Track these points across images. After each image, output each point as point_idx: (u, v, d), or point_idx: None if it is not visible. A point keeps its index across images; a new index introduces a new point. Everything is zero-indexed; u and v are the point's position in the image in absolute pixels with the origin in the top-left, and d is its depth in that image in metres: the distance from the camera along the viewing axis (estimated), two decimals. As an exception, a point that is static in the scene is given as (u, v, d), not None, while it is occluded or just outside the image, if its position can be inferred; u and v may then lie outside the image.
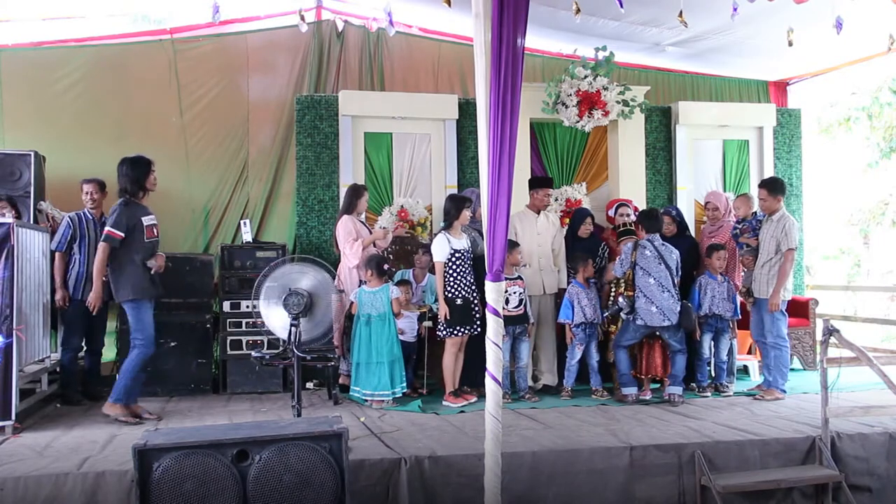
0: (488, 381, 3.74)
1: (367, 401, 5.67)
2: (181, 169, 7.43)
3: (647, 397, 5.89)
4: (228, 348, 6.37)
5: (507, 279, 5.08)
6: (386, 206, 7.11)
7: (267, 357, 5.40)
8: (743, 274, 6.35)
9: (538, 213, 6.43)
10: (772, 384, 5.94)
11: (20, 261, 4.86)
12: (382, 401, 5.62)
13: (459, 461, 4.17)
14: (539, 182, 6.54)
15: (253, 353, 5.48)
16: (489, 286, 3.74)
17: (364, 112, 7.15)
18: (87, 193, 5.99)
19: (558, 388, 6.20)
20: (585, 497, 4.25)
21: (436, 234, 5.97)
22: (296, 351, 5.03)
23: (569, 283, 6.19)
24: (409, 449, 4.28)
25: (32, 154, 6.43)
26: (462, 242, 5.79)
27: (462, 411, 5.53)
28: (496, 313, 3.73)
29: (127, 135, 7.18)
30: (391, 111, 7.20)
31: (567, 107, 7.03)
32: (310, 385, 6.47)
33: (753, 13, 5.92)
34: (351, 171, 7.02)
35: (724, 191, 7.68)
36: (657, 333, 5.87)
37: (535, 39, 7.63)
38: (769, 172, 7.74)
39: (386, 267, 5.84)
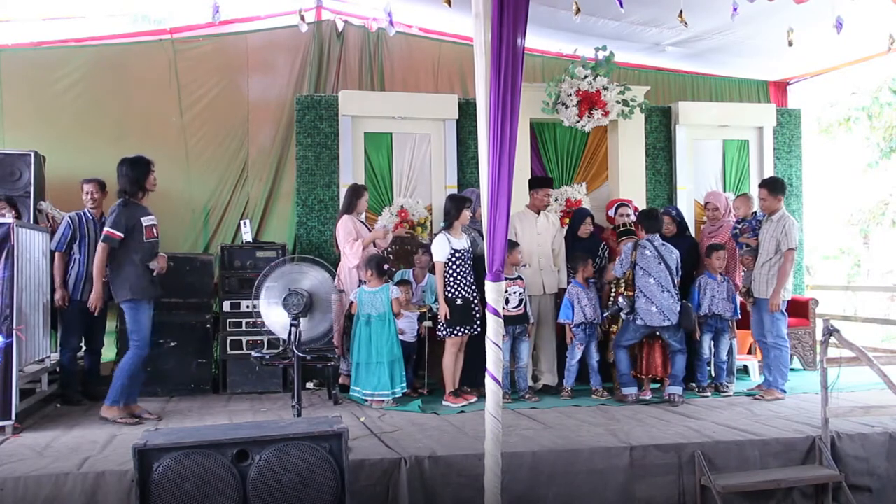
0: (488, 381, 3.74)
1: (367, 401, 5.67)
2: (181, 169, 7.43)
3: (647, 397, 5.89)
4: (228, 348, 6.37)
5: (507, 279, 5.08)
6: (386, 206, 7.12)
7: (267, 357, 5.40)
8: (743, 274, 6.35)
9: (538, 213, 6.43)
10: (772, 384, 5.94)
11: (20, 261, 4.86)
12: (382, 401, 5.62)
13: (459, 461, 4.17)
14: (539, 182, 6.54)
15: (253, 353, 5.49)
16: (489, 286, 3.74)
17: (364, 112, 7.15)
18: (87, 193, 5.99)
19: (558, 388, 6.20)
20: (585, 497, 4.25)
21: (436, 234, 5.97)
22: (296, 351, 5.03)
23: (569, 283, 6.19)
24: (409, 449, 4.28)
25: (32, 154, 6.43)
26: (462, 242, 5.79)
27: (462, 411, 5.53)
28: (496, 313, 3.72)
29: (127, 135, 7.18)
30: (391, 111, 7.21)
31: (567, 107, 7.03)
32: (310, 385, 6.47)
33: (753, 13, 5.92)
34: (351, 171, 7.02)
35: (724, 191, 7.68)
36: (657, 333, 5.87)
37: (535, 39, 7.63)
38: (769, 172, 7.74)
39: (386, 267, 5.84)
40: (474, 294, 5.76)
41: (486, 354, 3.76)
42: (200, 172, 7.53)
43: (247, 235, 6.75)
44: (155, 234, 5.26)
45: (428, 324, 6.12)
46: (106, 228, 5.10)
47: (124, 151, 5.50)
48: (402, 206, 7.07)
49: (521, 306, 5.92)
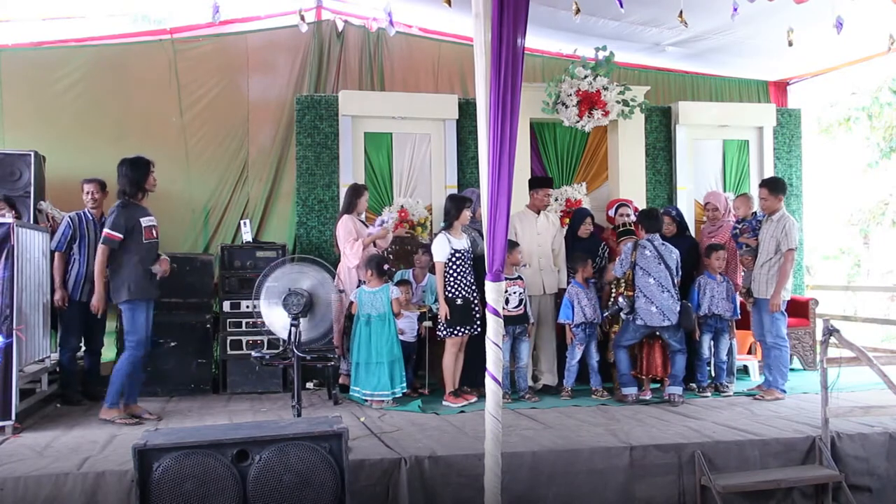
0: (488, 381, 3.74)
1: (367, 401, 5.67)
2: (181, 169, 7.43)
3: (647, 397, 5.89)
4: (228, 348, 6.37)
5: (507, 279, 5.08)
6: (386, 206, 7.12)
7: (267, 357, 5.40)
8: (743, 274, 6.35)
9: (538, 213, 6.43)
10: (772, 384, 5.94)
11: (20, 261, 4.86)
12: (382, 401, 5.62)
13: (459, 461, 4.17)
14: (539, 182, 6.54)
15: (253, 353, 5.49)
16: (489, 286, 3.74)
17: (364, 112, 7.15)
18: (87, 193, 5.99)
19: (558, 388, 6.20)
20: (585, 497, 4.25)
21: (436, 234, 5.97)
22: (296, 351, 5.03)
23: (569, 283, 6.19)
24: (409, 449, 4.28)
25: (32, 154, 6.43)
26: (462, 242, 5.79)
27: (462, 411, 5.53)
28: (496, 313, 3.72)
29: (127, 135, 7.18)
30: (391, 111, 7.21)
31: (567, 107, 7.03)
32: (310, 385, 6.47)
33: (753, 13, 5.92)
34: (351, 171, 7.02)
35: (724, 191, 7.68)
36: (657, 333, 5.87)
37: (535, 39, 7.63)
38: (769, 172, 7.74)
39: (386, 267, 5.84)
40: (474, 294, 5.76)
41: (486, 354, 3.76)
42: (200, 172, 7.53)
43: (247, 235, 6.75)
44: (154, 234, 5.26)
45: (428, 324, 6.12)
46: (105, 230, 5.10)
47: (124, 151, 5.50)
48: (402, 206, 7.07)
49: (521, 306, 5.92)
